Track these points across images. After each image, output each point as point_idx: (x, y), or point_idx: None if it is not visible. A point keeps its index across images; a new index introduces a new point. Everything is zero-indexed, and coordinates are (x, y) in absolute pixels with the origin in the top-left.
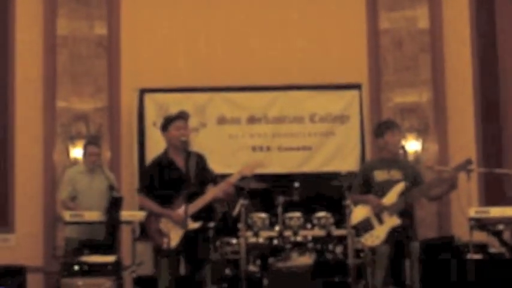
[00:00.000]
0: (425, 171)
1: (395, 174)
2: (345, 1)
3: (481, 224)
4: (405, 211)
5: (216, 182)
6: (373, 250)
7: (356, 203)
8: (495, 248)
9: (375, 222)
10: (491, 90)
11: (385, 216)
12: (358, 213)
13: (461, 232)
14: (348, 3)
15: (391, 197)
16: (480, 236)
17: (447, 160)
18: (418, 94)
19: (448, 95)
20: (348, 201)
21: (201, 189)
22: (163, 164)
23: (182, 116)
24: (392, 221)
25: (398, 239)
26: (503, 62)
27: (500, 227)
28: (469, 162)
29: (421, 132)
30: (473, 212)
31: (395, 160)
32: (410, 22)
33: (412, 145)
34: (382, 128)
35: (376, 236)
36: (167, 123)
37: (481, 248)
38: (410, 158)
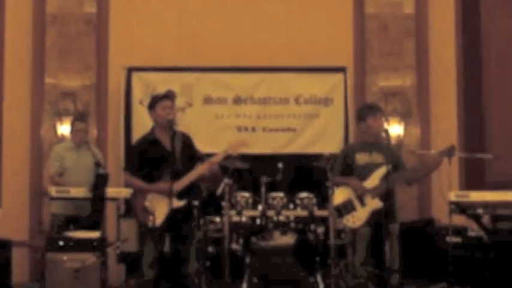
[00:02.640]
0: (407, 155)
1: (377, 157)
2: None
3: (460, 208)
4: (386, 194)
5: (202, 161)
6: (354, 231)
7: (338, 185)
8: (474, 231)
9: (356, 204)
10: (474, 76)
11: (367, 198)
12: (340, 194)
13: (441, 215)
14: None
15: (373, 180)
16: (460, 220)
17: (429, 144)
18: (402, 78)
19: (431, 80)
20: (330, 183)
21: (186, 168)
22: (149, 142)
23: (169, 96)
24: (374, 203)
25: (379, 221)
26: (487, 49)
27: (480, 211)
28: (452, 148)
29: (404, 116)
30: (453, 195)
31: (377, 143)
32: (396, 7)
33: (395, 129)
34: (365, 112)
35: (358, 218)
36: (154, 102)
37: (460, 231)
38: (393, 141)
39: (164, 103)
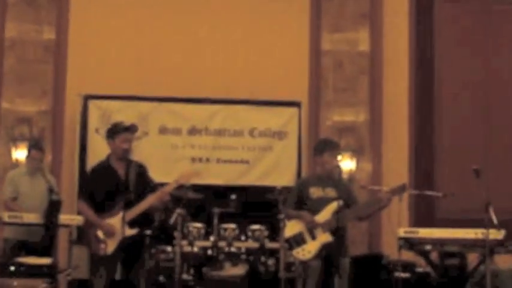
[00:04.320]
0: (359, 190)
1: (330, 192)
2: (289, 20)
3: (409, 244)
4: (338, 228)
5: (154, 191)
6: (304, 264)
7: (290, 218)
8: (422, 267)
9: (307, 237)
10: (426, 114)
11: (318, 232)
12: (292, 227)
13: (391, 251)
14: (292, 22)
15: (325, 215)
16: (408, 255)
17: (380, 180)
18: (355, 114)
19: (384, 117)
20: (282, 215)
21: (140, 198)
22: (104, 170)
23: (131, 129)
24: (325, 237)
25: (329, 255)
26: (439, 87)
27: (428, 247)
28: (404, 187)
29: (357, 152)
30: (402, 231)
31: (331, 178)
32: (351, 45)
33: (347, 164)
34: (323, 147)
35: (308, 251)
36: (115, 132)
37: (409, 267)
38: (345, 176)
39: (125, 135)
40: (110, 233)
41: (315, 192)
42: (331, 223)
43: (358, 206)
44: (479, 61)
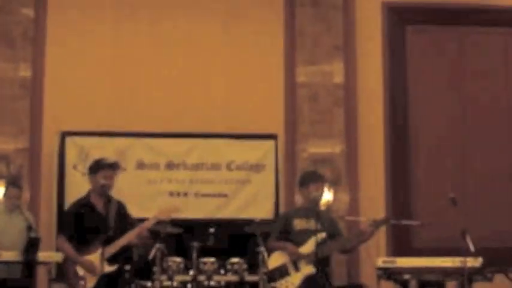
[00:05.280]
0: (340, 221)
1: (314, 224)
2: (265, 54)
3: (388, 274)
4: (321, 260)
5: (133, 227)
6: None
7: (274, 250)
8: None
9: (291, 269)
10: (401, 143)
11: (302, 264)
12: (276, 259)
13: (369, 281)
14: (267, 55)
15: (308, 246)
16: (387, 285)
17: (358, 210)
18: (332, 146)
19: (360, 148)
20: (261, 248)
21: (119, 234)
22: (84, 207)
23: (114, 166)
24: (308, 269)
25: (312, 287)
26: (414, 117)
27: (407, 276)
28: (387, 220)
29: (333, 183)
30: (380, 261)
31: (315, 210)
32: (326, 76)
33: (324, 195)
34: (307, 179)
35: (291, 283)
36: (97, 168)
37: None
38: (322, 207)
39: (107, 172)
40: (89, 270)
41: (298, 223)
42: (314, 255)
43: (342, 238)
44: (453, 91)
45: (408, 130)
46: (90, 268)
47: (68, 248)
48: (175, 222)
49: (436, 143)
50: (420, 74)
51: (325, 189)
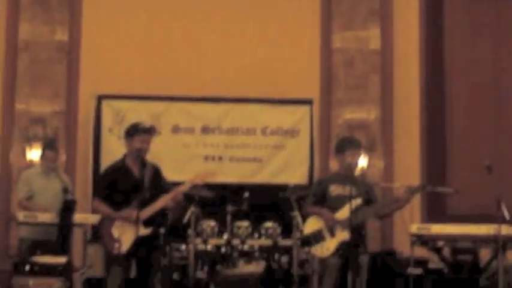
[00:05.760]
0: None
1: (350, 190)
2: (300, 19)
3: (422, 240)
4: (357, 226)
5: (169, 191)
6: (323, 261)
7: (309, 215)
8: (435, 263)
9: (326, 234)
10: (437, 110)
11: (337, 229)
12: (311, 224)
13: (403, 247)
14: (303, 21)
15: (344, 212)
16: (421, 252)
17: (392, 177)
18: (367, 112)
19: (395, 114)
20: (295, 213)
21: (154, 198)
22: (120, 171)
23: (151, 131)
24: (344, 235)
25: (347, 252)
26: (450, 84)
27: (440, 243)
28: (423, 187)
29: (368, 149)
30: (414, 228)
31: (351, 176)
32: (362, 42)
33: (359, 162)
34: (344, 145)
35: (327, 248)
36: (134, 132)
37: (422, 263)
38: (357, 174)
39: (144, 137)
40: (129, 219)
41: (334, 189)
42: (350, 220)
43: (377, 204)
44: (490, 56)
45: (444, 97)
46: (130, 218)
47: (104, 207)
48: (210, 187)
49: (473, 109)
50: (458, 38)
51: (361, 156)
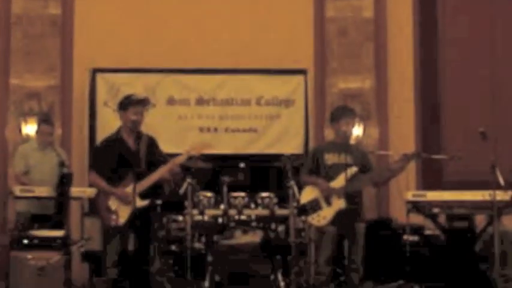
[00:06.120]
0: (371, 156)
1: (345, 158)
2: None
3: (417, 207)
4: (353, 194)
5: (165, 162)
6: (320, 230)
7: (305, 184)
8: (431, 230)
9: (322, 203)
10: (431, 78)
11: (333, 198)
12: (307, 193)
13: (399, 215)
14: None
15: (340, 181)
16: (417, 219)
17: (387, 145)
18: (361, 81)
19: (389, 83)
20: (291, 182)
21: (150, 170)
22: (115, 143)
23: (144, 102)
24: (340, 203)
25: (344, 221)
26: (444, 51)
27: (436, 210)
28: (418, 155)
29: (363, 118)
30: (410, 195)
31: (346, 145)
32: (356, 11)
33: (354, 130)
34: (338, 114)
35: (323, 217)
36: (127, 104)
37: (417, 230)
38: (352, 142)
39: (137, 108)
40: (124, 200)
41: (329, 158)
42: (346, 189)
43: (372, 172)
44: (483, 22)
45: (438, 64)
46: (124, 198)
47: (101, 181)
48: (206, 158)
49: (466, 77)
50: (451, 8)
51: (356, 124)
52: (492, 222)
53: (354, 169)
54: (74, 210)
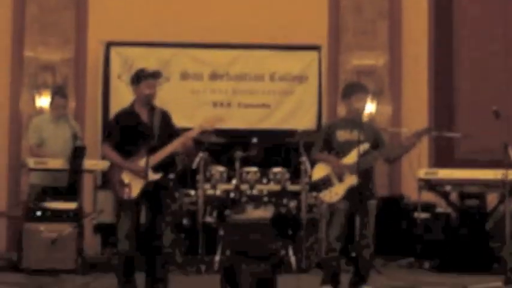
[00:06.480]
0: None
1: (357, 135)
2: None
3: (429, 185)
4: (365, 171)
5: (178, 136)
6: (331, 206)
7: (317, 161)
8: (442, 208)
9: (334, 179)
10: (445, 56)
11: (345, 174)
12: (319, 170)
13: (411, 192)
14: None
15: (352, 157)
16: (428, 196)
17: (400, 122)
18: (375, 58)
19: (403, 60)
20: (303, 158)
21: (164, 143)
22: (128, 116)
23: (156, 76)
24: (352, 179)
25: (356, 197)
26: (458, 30)
27: (448, 188)
28: (429, 130)
29: (376, 95)
30: (422, 173)
31: (358, 121)
32: None
33: (367, 107)
34: (351, 90)
35: (335, 193)
36: (140, 77)
37: (429, 207)
38: (365, 119)
39: (150, 81)
40: (137, 173)
41: (341, 134)
42: (358, 165)
43: (385, 148)
44: (500, 5)
45: (453, 40)
46: (138, 171)
47: (114, 155)
48: (219, 132)
49: (480, 56)
50: None
51: (368, 101)
52: (503, 200)
53: (366, 146)
54: (87, 183)
